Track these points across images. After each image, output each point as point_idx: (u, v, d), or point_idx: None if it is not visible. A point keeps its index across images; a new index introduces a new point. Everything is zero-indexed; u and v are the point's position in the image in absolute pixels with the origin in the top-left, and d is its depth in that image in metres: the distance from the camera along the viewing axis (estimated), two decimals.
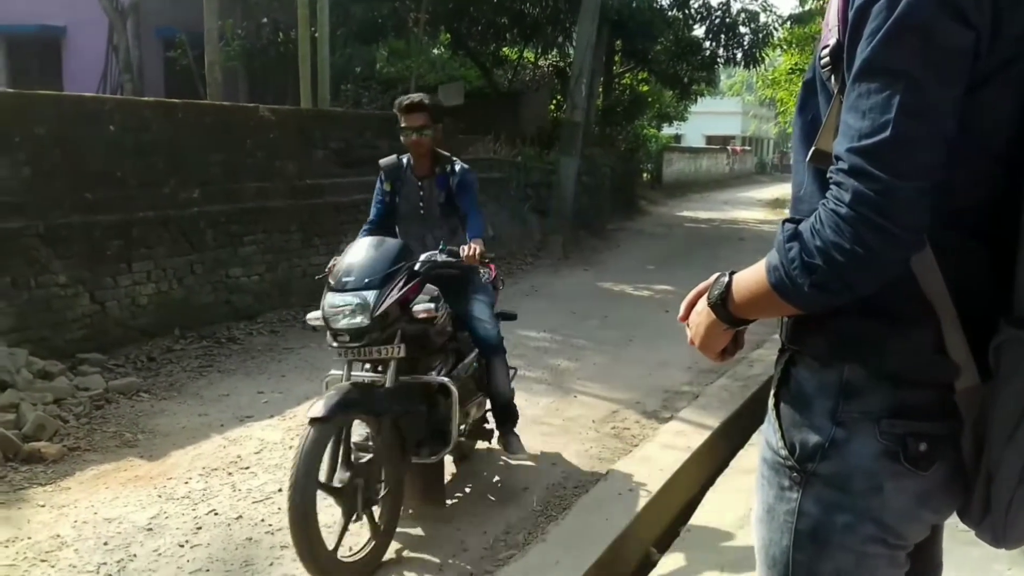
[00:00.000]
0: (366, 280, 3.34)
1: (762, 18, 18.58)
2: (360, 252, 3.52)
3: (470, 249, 3.73)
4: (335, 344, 3.35)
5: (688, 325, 1.39)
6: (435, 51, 17.35)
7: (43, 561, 3.38)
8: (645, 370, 6.38)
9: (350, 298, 3.30)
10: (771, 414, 1.30)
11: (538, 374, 6.29)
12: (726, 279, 1.28)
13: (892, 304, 1.16)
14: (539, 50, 18.35)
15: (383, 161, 4.16)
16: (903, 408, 1.17)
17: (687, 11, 17.98)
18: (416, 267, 3.59)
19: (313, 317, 3.51)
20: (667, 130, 30.61)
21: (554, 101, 19.10)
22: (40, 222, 6.04)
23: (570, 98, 13.73)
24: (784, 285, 1.15)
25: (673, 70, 19.16)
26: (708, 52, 18.65)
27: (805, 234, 1.13)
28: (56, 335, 6.03)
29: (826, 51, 1.18)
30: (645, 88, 22.06)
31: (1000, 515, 1.15)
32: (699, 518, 3.64)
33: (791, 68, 23.60)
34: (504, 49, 18.16)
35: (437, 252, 3.72)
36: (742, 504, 3.65)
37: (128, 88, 13.93)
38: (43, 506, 3.87)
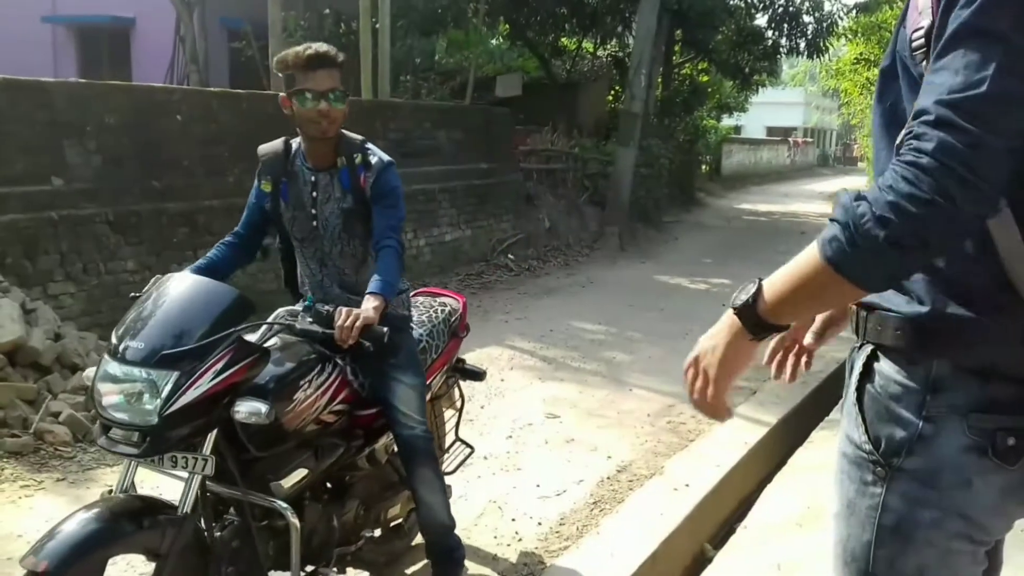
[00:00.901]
0: (163, 351, 2.10)
1: (827, 6, 18.24)
2: (164, 301, 2.24)
3: (347, 316, 2.33)
4: (102, 440, 2.17)
5: (688, 377, 1.30)
6: (494, 42, 17.37)
7: None
8: None
9: (134, 373, 2.09)
10: (853, 408, 1.28)
11: (594, 366, 6.28)
12: (753, 285, 1.20)
13: (978, 294, 1.15)
14: (598, 40, 18.25)
15: (263, 148, 2.75)
16: (992, 402, 1.15)
17: (749, 0, 17.70)
18: (255, 335, 2.40)
19: (90, 376, 2.26)
20: (727, 121, 30.15)
21: (612, 91, 18.98)
22: (110, 209, 6.22)
23: (629, 88, 13.62)
24: (844, 254, 1.06)
25: (734, 60, 18.88)
26: (770, 42, 18.35)
27: (873, 193, 1.07)
28: None
29: (919, 33, 1.14)
30: (705, 78, 21.77)
31: None
32: (755, 516, 3.60)
33: (856, 58, 22.98)
34: (563, 39, 18.07)
35: (300, 311, 2.53)
36: (800, 502, 3.61)
37: (194, 79, 14.22)
38: (110, 486, 3.97)
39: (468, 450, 3.41)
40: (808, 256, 1.12)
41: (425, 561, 2.99)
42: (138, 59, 16.34)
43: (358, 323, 2.32)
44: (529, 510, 3.83)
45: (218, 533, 2.38)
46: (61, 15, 16.50)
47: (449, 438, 3.42)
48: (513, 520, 3.73)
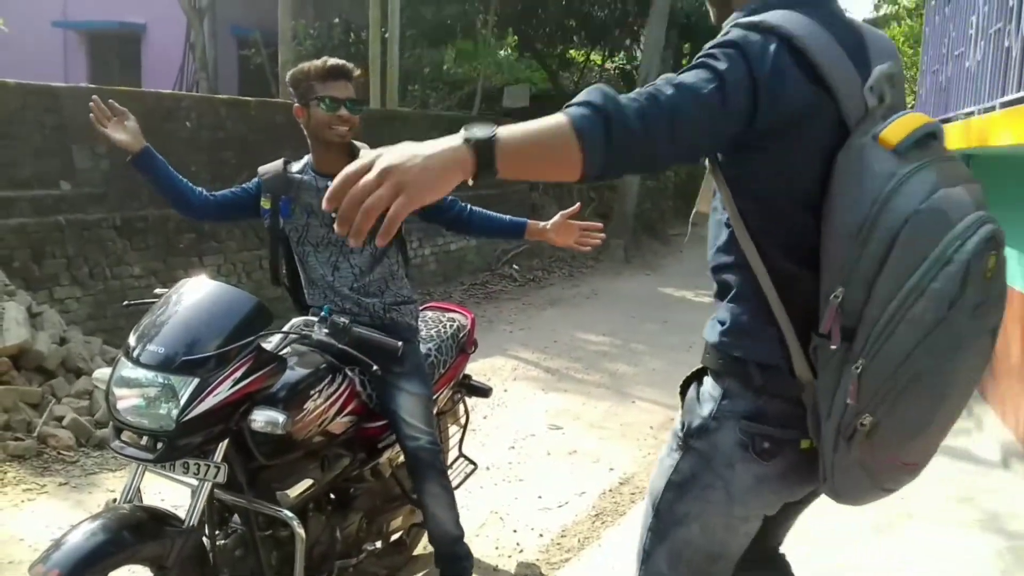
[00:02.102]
0: (183, 356, 2.10)
1: None
2: (182, 305, 2.24)
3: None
4: (116, 444, 2.16)
5: (363, 180, 1.20)
6: (502, 53, 17.42)
7: None
8: None
9: (152, 378, 2.09)
10: (680, 398, 1.72)
11: (597, 378, 6.28)
12: (492, 127, 1.25)
13: (753, 331, 1.54)
14: (606, 53, 18.30)
15: (263, 168, 2.85)
16: (760, 414, 1.53)
17: None
18: (271, 343, 2.37)
19: (103, 378, 2.27)
20: None
21: None
22: (117, 214, 6.25)
23: None
24: (591, 126, 1.26)
25: None
26: None
27: (624, 100, 1.32)
28: (129, 324, 6.15)
29: None
30: None
31: (831, 479, 1.48)
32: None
33: None
34: (571, 51, 18.13)
35: (316, 321, 2.44)
36: (800, 517, 3.60)
37: (203, 85, 14.29)
38: (113, 491, 3.99)
39: (472, 467, 3.36)
40: (555, 121, 1.27)
41: (426, 571, 2.98)
42: (148, 65, 16.44)
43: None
44: (531, 521, 3.83)
45: (221, 541, 2.37)
46: (72, 20, 16.61)
47: (453, 454, 3.37)
48: (514, 531, 3.73)
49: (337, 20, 13.91)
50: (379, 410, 2.74)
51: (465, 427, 3.42)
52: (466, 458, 3.39)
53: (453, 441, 3.40)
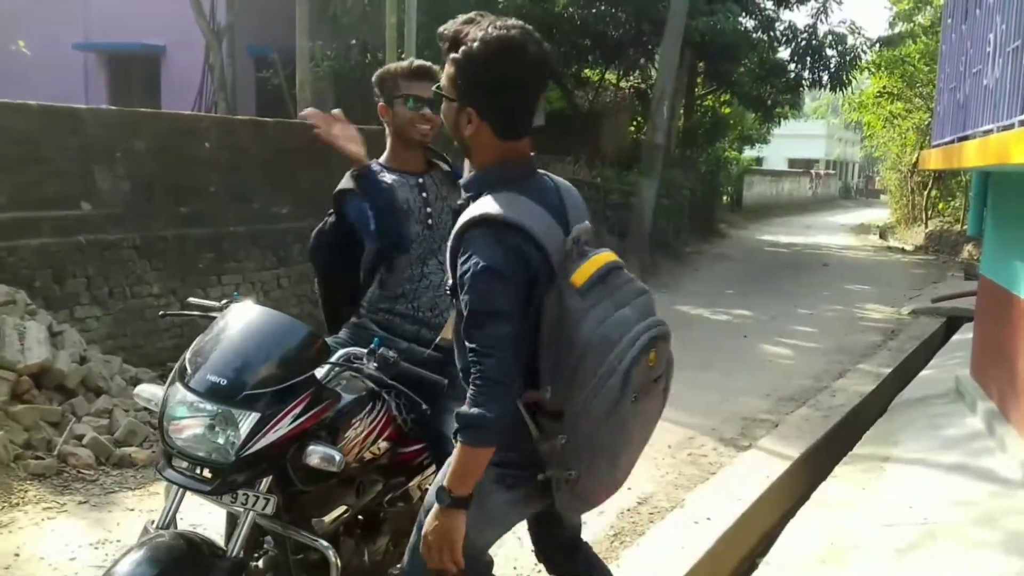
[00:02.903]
0: (245, 390, 2.08)
1: (850, 40, 18.15)
2: (238, 331, 2.22)
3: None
4: (169, 473, 2.14)
5: (428, 556, 2.01)
6: None
7: None
8: (722, 396, 6.28)
9: (213, 409, 2.07)
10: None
11: None
12: (437, 492, 2.01)
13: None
14: (621, 72, 18.36)
15: (340, 187, 2.89)
16: (505, 462, 2.04)
17: (772, 33, 17.71)
18: (321, 372, 2.33)
19: (147, 396, 2.32)
20: (748, 152, 30.17)
21: (634, 122, 19.06)
22: (137, 234, 6.30)
23: (652, 120, 13.68)
24: (474, 437, 1.90)
25: (757, 92, 18.87)
26: (793, 74, 18.31)
27: (469, 404, 1.92)
28: (148, 343, 6.27)
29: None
30: (727, 110, 21.82)
31: (558, 502, 2.08)
32: (778, 551, 3.56)
33: (879, 91, 23.03)
34: (586, 70, 18.20)
35: (365, 353, 2.38)
36: (823, 539, 3.57)
37: (221, 106, 14.42)
38: (132, 510, 4.01)
39: None
40: (459, 450, 1.92)
41: None
42: (167, 86, 16.59)
43: None
44: None
45: (253, 563, 2.36)
46: (93, 43, 16.82)
47: None
48: (532, 551, 3.70)
49: (354, 41, 14.02)
50: (414, 435, 2.72)
51: None
52: None
53: None
